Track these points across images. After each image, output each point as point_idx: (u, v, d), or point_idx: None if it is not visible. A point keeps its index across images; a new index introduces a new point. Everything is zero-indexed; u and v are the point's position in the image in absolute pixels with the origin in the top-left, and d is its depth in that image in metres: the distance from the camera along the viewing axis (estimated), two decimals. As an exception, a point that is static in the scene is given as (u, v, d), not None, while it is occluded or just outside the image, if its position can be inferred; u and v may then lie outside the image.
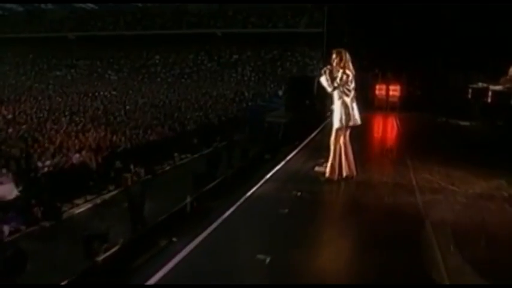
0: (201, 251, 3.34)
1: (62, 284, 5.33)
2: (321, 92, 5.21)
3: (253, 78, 34.03)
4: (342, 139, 5.13)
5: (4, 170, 9.90)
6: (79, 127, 14.11)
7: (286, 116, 14.58)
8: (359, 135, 8.67)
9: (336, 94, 5.11)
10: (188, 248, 3.36)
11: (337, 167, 5.15)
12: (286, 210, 4.12)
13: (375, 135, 9.89)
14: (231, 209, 4.13)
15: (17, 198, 9.30)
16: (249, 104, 23.00)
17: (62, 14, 41.51)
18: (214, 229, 3.69)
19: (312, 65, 29.87)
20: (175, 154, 14.66)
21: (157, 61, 40.19)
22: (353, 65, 5.15)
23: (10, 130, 13.32)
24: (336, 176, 5.17)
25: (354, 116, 5.12)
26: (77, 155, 11.60)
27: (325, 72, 5.10)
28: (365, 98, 13.75)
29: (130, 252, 5.73)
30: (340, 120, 5.06)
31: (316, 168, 5.62)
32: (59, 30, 41.14)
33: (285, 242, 3.48)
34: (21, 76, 37.11)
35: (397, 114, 12.42)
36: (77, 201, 10.47)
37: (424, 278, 2.95)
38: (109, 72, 39.28)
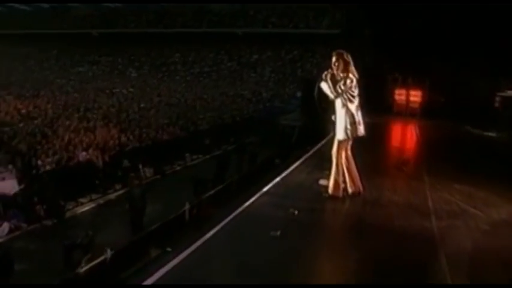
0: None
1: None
2: (322, 99, 4.60)
3: (272, 79, 33.53)
4: (344, 152, 4.59)
5: (10, 166, 9.77)
6: (90, 124, 13.93)
7: (301, 119, 14.05)
8: (371, 143, 8.12)
9: (339, 101, 4.56)
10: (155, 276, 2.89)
11: (342, 182, 4.61)
12: (278, 233, 3.60)
13: (390, 144, 9.18)
14: (215, 230, 3.65)
15: (17, 195, 9.12)
16: (266, 105, 22.49)
17: (87, 12, 42.08)
18: (190, 254, 3.20)
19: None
20: (187, 154, 14.31)
21: (177, 59, 40.23)
22: (356, 68, 4.58)
23: (21, 125, 13.25)
24: (340, 193, 4.63)
25: (359, 126, 4.57)
26: (84, 153, 11.40)
27: (326, 77, 4.55)
28: (383, 103, 13.18)
29: (115, 264, 5.39)
30: (345, 131, 4.51)
31: (321, 182, 5.08)
32: (83, 27, 41.75)
33: (267, 274, 2.96)
34: (45, 71, 37.72)
35: (417, 122, 11.67)
36: (82, 200, 10.35)
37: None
38: (130, 69, 39.53)
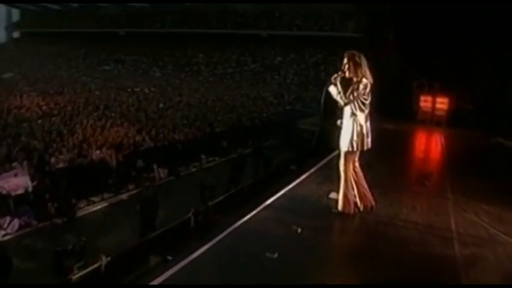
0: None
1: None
2: (329, 106, 4.14)
3: (295, 82, 33.10)
4: (352, 164, 4.13)
5: (25, 162, 9.74)
6: (107, 123, 13.87)
7: (321, 124, 13.53)
8: (391, 152, 7.56)
9: (347, 109, 4.09)
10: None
11: (352, 197, 4.15)
12: (275, 255, 3.18)
13: (412, 154, 8.47)
14: (205, 247, 3.27)
15: (29, 192, 9.06)
16: (285, 108, 22.04)
17: (115, 11, 42.81)
18: (171, 275, 2.83)
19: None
20: (203, 156, 14.06)
21: (201, 60, 40.38)
22: (370, 71, 4.10)
23: (40, 121, 13.32)
24: (351, 209, 4.17)
25: (368, 137, 4.10)
26: (98, 152, 11.30)
27: (335, 80, 4.07)
28: (407, 109, 12.48)
29: (110, 272, 5.10)
30: (351, 142, 4.05)
31: (331, 195, 4.61)
32: (110, 26, 42.53)
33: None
34: (72, 69, 38.51)
35: (443, 131, 10.90)
36: (94, 199, 10.25)
37: None
38: (154, 68, 39.91)
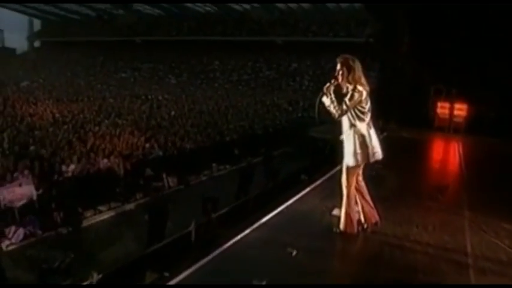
0: None
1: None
2: (321, 115, 3.77)
3: (310, 88, 32.75)
4: (356, 179, 3.76)
5: (26, 172, 9.67)
6: (117, 131, 13.79)
7: (333, 131, 13.08)
8: (404, 163, 7.06)
9: (345, 120, 3.71)
10: None
11: (355, 216, 3.77)
12: (264, 283, 2.83)
13: (426, 164, 7.88)
14: (186, 273, 2.94)
15: (34, 201, 8.97)
16: (298, 115, 21.66)
17: (132, 20, 43.45)
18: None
19: (372, 77, 27.84)
20: (214, 164, 13.85)
21: (216, 67, 40.59)
22: (366, 78, 3.71)
23: (51, 129, 13.33)
24: (355, 229, 3.78)
25: (373, 148, 3.69)
26: (105, 160, 11.17)
27: (328, 89, 3.67)
28: (423, 116, 11.93)
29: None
30: (355, 156, 3.66)
31: (334, 212, 4.23)
32: (127, 34, 43.19)
33: None
34: (90, 77, 39.12)
35: (461, 139, 10.32)
36: (101, 208, 10.12)
37: None
38: (169, 76, 40.26)
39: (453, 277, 3.17)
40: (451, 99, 11.77)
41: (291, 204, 4.63)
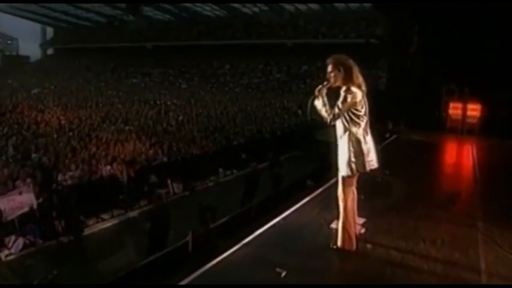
0: None
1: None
2: (317, 120, 3.44)
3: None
4: (353, 190, 3.41)
5: (29, 180, 9.57)
6: (122, 137, 13.64)
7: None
8: (412, 168, 6.62)
9: (339, 124, 3.36)
10: None
11: (354, 231, 3.41)
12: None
13: (438, 169, 7.32)
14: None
15: (34, 210, 8.84)
16: (308, 118, 21.20)
17: (142, 25, 43.72)
18: None
19: (383, 78, 27.33)
20: (220, 170, 13.61)
21: (227, 71, 40.55)
22: (364, 78, 3.36)
23: (55, 136, 13.26)
24: (353, 245, 3.41)
25: (369, 156, 3.33)
26: (108, 167, 11.01)
27: (320, 92, 3.33)
28: (434, 118, 11.44)
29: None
30: (349, 165, 3.30)
31: (333, 225, 3.86)
32: (138, 40, 43.50)
33: None
34: (101, 83, 39.39)
35: (475, 142, 9.81)
36: (103, 216, 9.96)
37: None
38: (180, 80, 40.34)
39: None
40: (464, 100, 11.28)
41: (287, 216, 4.28)
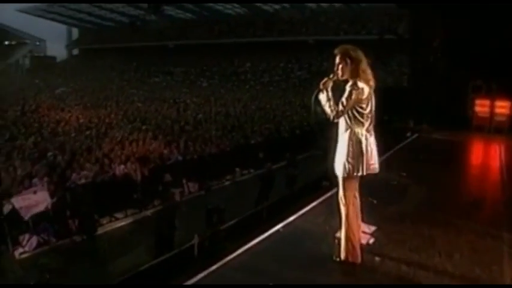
0: None
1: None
2: (319, 116, 3.14)
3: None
4: (354, 195, 3.08)
5: (46, 179, 9.63)
6: (138, 135, 13.61)
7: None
8: (433, 169, 6.17)
9: (341, 122, 3.05)
10: None
11: (358, 241, 3.09)
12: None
13: (460, 172, 6.74)
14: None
15: (48, 209, 8.88)
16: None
17: (164, 25, 44.12)
18: None
19: (407, 74, 26.48)
20: (237, 169, 13.43)
21: (247, 69, 40.44)
22: (373, 71, 3.02)
23: (73, 135, 13.37)
24: (358, 258, 3.09)
25: (369, 159, 3.01)
26: (122, 166, 10.97)
27: (325, 85, 3.02)
28: (460, 115, 10.84)
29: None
30: (345, 165, 3.00)
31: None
32: (160, 39, 43.95)
33: None
34: (123, 82, 39.97)
35: (503, 142, 9.18)
36: (117, 215, 9.95)
37: None
38: (201, 79, 40.49)
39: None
40: (492, 96, 10.62)
41: (291, 222, 3.97)
